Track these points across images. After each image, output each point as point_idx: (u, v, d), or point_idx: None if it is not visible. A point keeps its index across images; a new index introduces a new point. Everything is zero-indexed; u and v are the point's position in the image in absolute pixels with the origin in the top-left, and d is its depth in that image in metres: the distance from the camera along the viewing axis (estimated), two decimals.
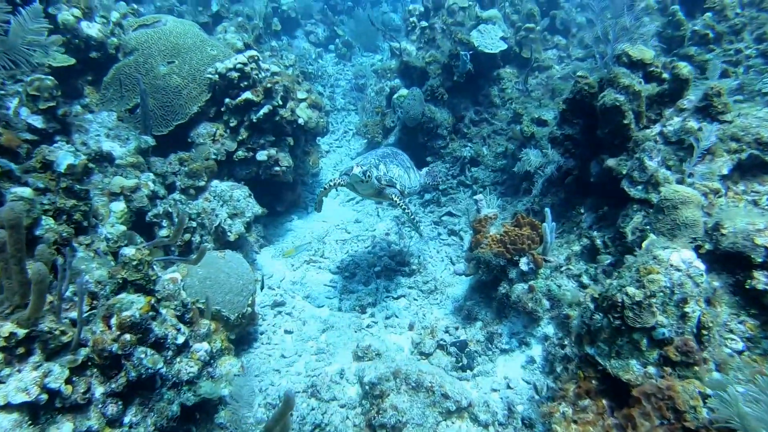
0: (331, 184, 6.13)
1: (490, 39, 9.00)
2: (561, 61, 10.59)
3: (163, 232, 6.23)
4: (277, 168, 7.99)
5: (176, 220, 4.82)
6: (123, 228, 5.10)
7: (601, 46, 6.43)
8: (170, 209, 6.31)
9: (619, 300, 3.87)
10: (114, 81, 7.52)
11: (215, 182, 7.28)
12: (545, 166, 6.75)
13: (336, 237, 8.81)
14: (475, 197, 6.58)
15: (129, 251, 4.39)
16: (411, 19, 11.22)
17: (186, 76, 7.70)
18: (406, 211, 6.10)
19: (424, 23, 10.21)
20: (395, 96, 9.83)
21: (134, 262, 4.38)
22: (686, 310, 3.64)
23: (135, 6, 9.28)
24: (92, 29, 7.35)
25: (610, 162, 5.84)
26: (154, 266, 4.97)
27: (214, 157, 7.67)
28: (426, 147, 9.68)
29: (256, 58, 7.74)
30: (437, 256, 8.28)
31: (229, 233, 6.73)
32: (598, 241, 5.93)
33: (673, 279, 3.71)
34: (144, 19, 8.38)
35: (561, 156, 6.68)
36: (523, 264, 5.96)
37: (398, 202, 6.03)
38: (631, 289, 3.81)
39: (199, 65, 7.83)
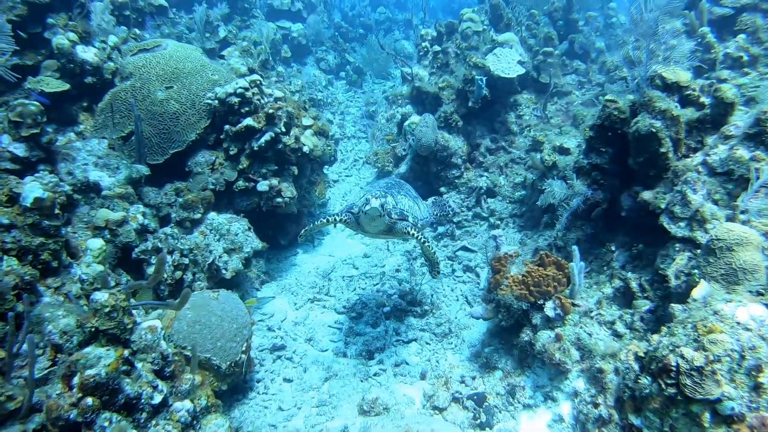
0: (329, 220, 5.42)
1: (507, 63, 8.52)
2: (581, 87, 10.08)
3: (152, 270, 5.68)
4: (280, 199, 7.47)
5: (165, 257, 4.29)
6: (100, 268, 4.58)
7: (628, 68, 5.88)
8: (160, 244, 5.79)
9: (673, 363, 3.22)
10: (109, 107, 7.11)
11: (212, 214, 6.77)
12: (571, 199, 6.15)
13: (343, 273, 8.22)
14: (493, 232, 5.99)
15: (101, 296, 3.84)
16: (423, 44, 10.82)
17: (185, 101, 7.28)
18: (427, 245, 5.38)
19: (436, 47, 9.79)
20: (407, 123, 9.34)
21: (107, 309, 3.83)
22: (761, 380, 2.98)
23: (137, 31, 8.98)
24: (88, 53, 6.98)
25: (646, 195, 5.23)
26: (134, 312, 4.43)
27: (212, 187, 7.18)
28: (439, 177, 9.12)
29: (258, 82, 7.31)
30: (452, 295, 7.64)
31: (224, 270, 6.18)
32: (634, 284, 5.27)
33: (741, 341, 3.06)
34: (144, 44, 8.02)
35: (588, 187, 6.07)
36: (549, 309, 5.31)
37: (416, 234, 5.29)
38: (687, 351, 3.16)
39: (198, 90, 7.41)
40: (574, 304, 5.32)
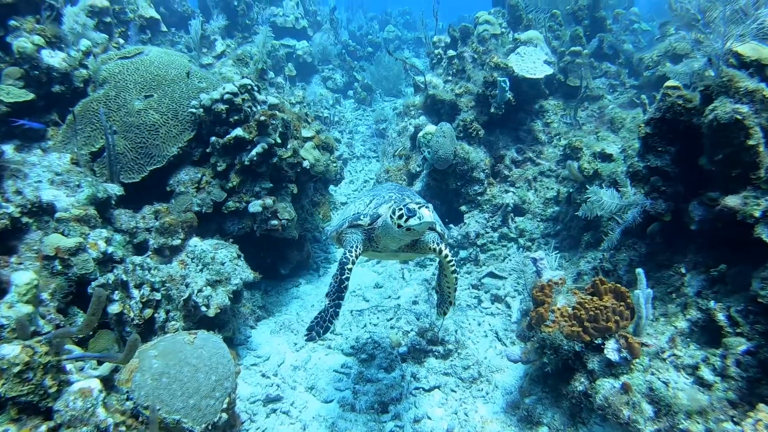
0: (353, 257, 3.94)
1: (532, 63, 7.51)
2: (613, 90, 9.02)
3: (115, 308, 4.64)
4: (275, 222, 6.43)
5: (102, 295, 3.28)
6: (28, 309, 3.53)
7: (696, 48, 4.80)
8: (125, 277, 4.75)
9: None
10: (79, 119, 6.18)
11: (194, 240, 5.73)
12: (624, 211, 5.03)
13: (351, 306, 7.10)
14: (532, 255, 4.86)
15: (10, 351, 2.79)
16: (436, 51, 9.87)
17: (166, 111, 6.33)
18: (453, 266, 4.16)
19: (451, 52, 8.83)
20: (421, 134, 8.29)
21: (17, 368, 2.77)
22: None
23: (121, 41, 8.14)
24: (54, 59, 6.11)
25: (731, 201, 4.09)
26: (72, 367, 3.36)
27: (197, 208, 6.17)
28: (459, 194, 8.03)
29: (249, 87, 6.35)
30: (479, 331, 6.48)
31: (204, 307, 5.10)
32: (721, 316, 4.09)
33: None
34: (125, 51, 7.15)
35: (645, 196, 4.96)
36: (611, 350, 4.15)
37: (443, 250, 4.07)
38: None
39: (182, 99, 6.47)
40: (643, 344, 4.15)
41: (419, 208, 3.53)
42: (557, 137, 8.08)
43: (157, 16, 10.45)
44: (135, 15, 9.59)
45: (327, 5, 18.19)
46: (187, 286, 4.96)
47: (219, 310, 5.33)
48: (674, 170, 4.83)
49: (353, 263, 3.87)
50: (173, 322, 4.90)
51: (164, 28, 10.79)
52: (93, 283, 4.53)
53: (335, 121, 13.75)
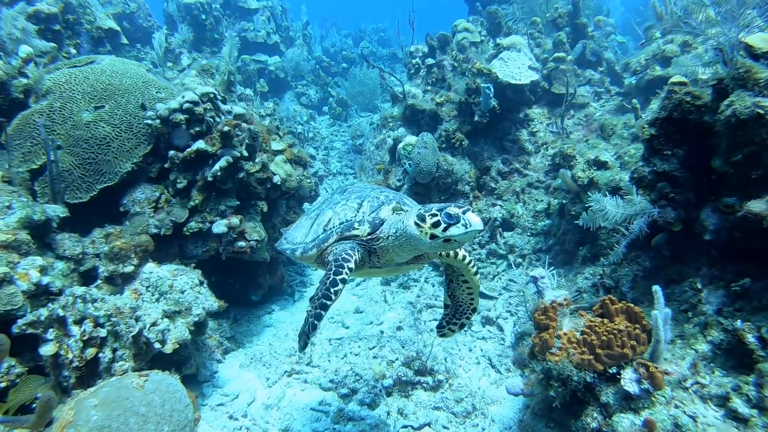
0: (355, 255, 3.22)
1: (517, 68, 7.10)
2: (598, 98, 8.67)
3: (49, 349, 3.94)
4: (242, 243, 5.80)
5: (51, 400, 2.65)
6: None
7: (702, 39, 4.39)
8: (63, 311, 4.06)
9: None
10: (18, 134, 5.50)
11: (150, 266, 5.07)
12: (631, 220, 4.54)
13: (329, 334, 6.46)
14: (532, 273, 4.32)
15: None
16: (414, 61, 9.43)
17: (119, 123, 5.70)
18: (475, 268, 3.58)
19: (430, 60, 8.39)
20: (400, 146, 7.76)
21: None
22: None
23: (73, 51, 7.49)
24: None
25: (756, 206, 3.63)
26: None
27: (155, 230, 5.52)
28: None
29: (212, 95, 5.77)
30: (470, 357, 5.92)
31: (158, 344, 4.41)
32: (751, 338, 3.59)
33: None
34: (75, 61, 6.51)
35: (652, 204, 4.48)
36: (629, 380, 3.60)
37: (460, 253, 3.47)
38: None
39: (137, 110, 5.85)
40: (665, 372, 3.62)
41: (463, 212, 2.80)
42: (544, 147, 7.65)
43: (117, 28, 9.83)
44: (93, 26, 8.94)
45: (300, 21, 17.77)
46: (137, 319, 4.28)
47: (177, 345, 4.65)
48: (683, 175, 4.37)
49: (355, 263, 3.14)
50: (121, 363, 4.21)
51: (125, 41, 10.16)
52: (19, 321, 3.84)
53: (310, 137, 13.20)
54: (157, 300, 4.78)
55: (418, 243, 2.99)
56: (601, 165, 5.83)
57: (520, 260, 6.99)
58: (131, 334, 4.17)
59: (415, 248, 3.11)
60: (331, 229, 3.31)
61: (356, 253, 3.16)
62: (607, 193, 4.94)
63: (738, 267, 4.12)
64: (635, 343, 3.69)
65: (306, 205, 8.40)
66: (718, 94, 3.92)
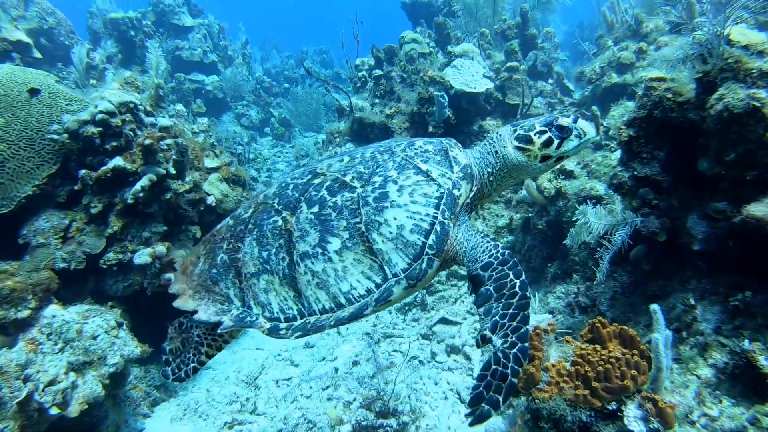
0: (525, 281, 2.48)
1: (471, 75, 6.71)
2: (552, 109, 8.42)
3: None
4: (171, 275, 4.97)
5: None
6: None
7: (687, 35, 4.05)
8: None
9: None
10: None
11: (52, 309, 4.18)
12: (614, 231, 4.10)
13: (277, 375, 5.68)
14: None
15: None
16: (360, 74, 8.94)
17: (16, 140, 4.81)
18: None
19: (378, 72, 7.90)
20: None
21: None
22: None
23: None
24: None
25: (757, 210, 3.23)
26: None
27: (63, 265, 4.63)
28: None
29: (132, 106, 5.00)
30: (437, 392, 5.28)
31: (54, 408, 3.53)
32: (763, 360, 3.15)
33: None
34: None
35: (634, 212, 4.07)
36: (633, 418, 3.07)
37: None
38: None
39: (41, 125, 4.98)
40: (670, 406, 3.12)
41: (573, 120, 2.41)
42: None
43: (28, 40, 8.81)
44: None
45: (239, 40, 17.05)
46: (26, 380, 3.41)
47: (87, 406, 3.78)
48: (666, 179, 3.99)
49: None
50: None
51: (38, 55, 9.15)
52: None
53: (251, 158, 12.42)
54: (61, 350, 3.90)
55: (522, 171, 2.55)
56: (567, 174, 5.44)
57: None
58: (16, 401, 3.28)
59: (517, 178, 2.66)
60: (432, 220, 2.38)
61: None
62: (587, 204, 4.49)
63: (732, 279, 3.73)
64: (636, 372, 3.17)
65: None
66: (703, 88, 3.55)
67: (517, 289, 2.34)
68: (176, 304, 2.67)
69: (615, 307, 4.65)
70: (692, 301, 3.82)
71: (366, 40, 10.05)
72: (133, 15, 12.68)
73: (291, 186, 2.63)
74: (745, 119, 3.21)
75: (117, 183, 4.91)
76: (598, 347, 3.42)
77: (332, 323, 2.42)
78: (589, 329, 3.58)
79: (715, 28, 3.46)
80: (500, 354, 2.24)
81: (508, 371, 2.23)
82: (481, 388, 2.23)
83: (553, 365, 3.42)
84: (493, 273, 2.38)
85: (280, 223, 2.52)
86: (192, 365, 2.80)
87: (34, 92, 4.93)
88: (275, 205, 2.59)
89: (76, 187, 4.87)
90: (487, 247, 2.46)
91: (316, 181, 2.58)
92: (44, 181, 4.81)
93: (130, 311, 5.02)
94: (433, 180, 2.45)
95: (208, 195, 5.59)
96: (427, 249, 2.35)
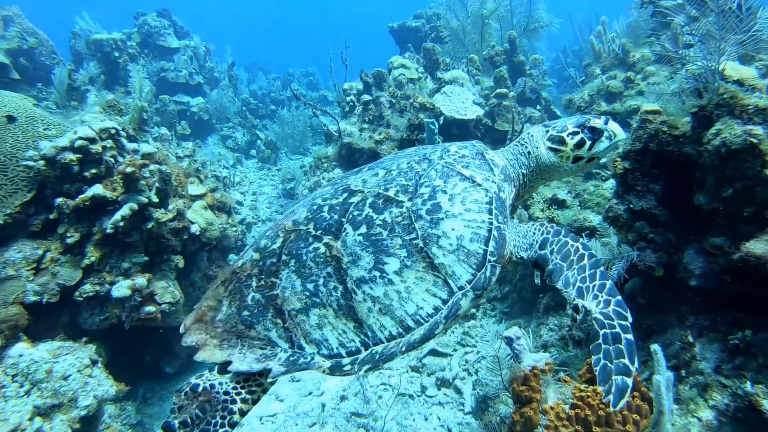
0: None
1: (461, 102, 6.67)
2: None
3: None
4: (151, 308, 4.78)
5: None
6: None
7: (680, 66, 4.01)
8: None
9: None
10: None
11: (20, 347, 3.94)
12: (610, 265, 4.01)
13: (260, 411, 5.44)
14: (507, 334, 3.61)
15: None
16: (348, 99, 8.87)
17: None
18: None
19: (366, 97, 7.83)
20: None
21: None
22: None
23: None
24: None
25: (757, 248, 3.16)
26: None
27: (34, 298, 4.40)
28: None
29: (113, 132, 4.84)
30: (427, 428, 5.10)
31: None
32: (767, 404, 3.05)
33: None
34: None
35: (631, 246, 3.98)
36: None
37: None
38: None
39: (16, 151, 4.79)
40: None
41: (605, 122, 2.41)
42: None
43: (5, 61, 8.62)
44: None
45: (225, 61, 16.96)
46: None
47: None
48: (662, 213, 3.92)
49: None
50: None
51: (16, 76, 8.95)
52: None
53: (236, 181, 12.22)
54: (27, 393, 3.67)
55: (554, 172, 2.55)
56: (559, 204, 5.37)
57: (473, 311, 6.34)
58: None
59: (548, 179, 2.68)
60: (489, 226, 2.31)
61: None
62: (582, 236, 4.42)
63: (730, 316, 3.65)
64: (638, 416, 3.05)
65: (231, 257, 7.39)
66: (699, 122, 3.50)
67: (582, 250, 2.32)
68: (200, 357, 2.33)
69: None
70: (690, 339, 3.73)
71: (354, 64, 10.03)
72: (117, 36, 12.54)
73: (326, 208, 2.46)
74: (742, 155, 3.16)
75: (96, 212, 4.71)
76: (597, 389, 3.28)
77: (403, 349, 2.26)
78: (587, 369, 3.46)
79: (710, 62, 3.43)
80: (600, 316, 2.19)
81: (618, 330, 2.14)
82: (603, 360, 2.11)
83: (552, 408, 3.28)
84: (554, 246, 2.38)
85: (323, 249, 2.34)
86: (222, 431, 2.31)
87: (11, 119, 4.74)
88: (311, 230, 2.41)
89: (51, 216, 4.67)
90: (535, 229, 2.46)
91: (355, 199, 2.43)
92: (17, 209, 4.60)
93: (107, 346, 4.79)
94: (479, 185, 2.39)
95: (192, 223, 5.41)
96: (488, 256, 2.29)
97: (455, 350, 6.12)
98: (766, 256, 3.11)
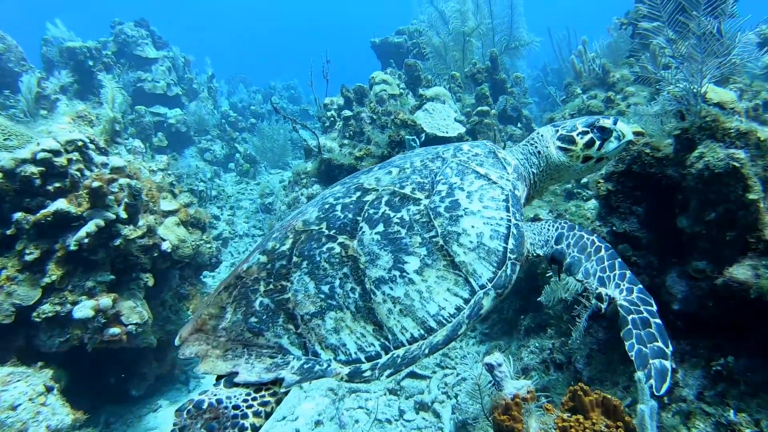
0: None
1: (443, 119, 6.60)
2: None
3: None
4: (116, 330, 4.54)
5: None
6: None
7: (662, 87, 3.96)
8: None
9: None
10: None
11: None
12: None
13: None
14: (487, 360, 3.48)
15: None
16: (329, 114, 8.76)
17: None
18: None
19: (347, 112, 7.73)
20: None
21: None
22: None
23: None
24: None
25: (739, 273, 3.10)
26: None
27: None
28: None
29: (81, 144, 4.63)
30: None
31: None
32: None
33: None
34: None
35: None
36: None
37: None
38: None
39: None
40: None
41: (614, 123, 2.50)
42: None
43: None
44: None
45: (204, 73, 16.76)
46: None
47: None
48: (645, 235, 3.85)
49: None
50: None
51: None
52: None
53: (213, 195, 11.98)
54: None
55: (564, 172, 2.59)
56: None
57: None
58: None
59: (558, 179, 2.72)
60: (507, 223, 2.29)
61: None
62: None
63: (711, 341, 3.59)
64: None
65: (206, 274, 7.15)
66: (682, 145, 3.46)
67: (597, 243, 2.35)
68: (202, 369, 2.19)
69: (591, 366, 4.44)
70: (673, 364, 3.64)
71: (335, 78, 9.95)
72: (92, 44, 12.27)
73: (338, 207, 2.37)
74: (725, 179, 3.11)
75: (59, 227, 4.48)
76: (581, 418, 3.16)
77: (426, 351, 2.16)
78: (570, 397, 3.33)
79: (692, 85, 3.40)
80: (626, 303, 2.22)
81: (646, 314, 2.20)
82: (636, 345, 2.17)
83: None
84: (570, 240, 2.39)
85: (338, 250, 2.23)
86: None
87: None
88: (324, 230, 2.31)
89: (8, 232, 4.41)
90: (549, 225, 2.47)
91: (369, 197, 2.35)
92: None
93: (67, 370, 4.53)
94: (495, 183, 2.37)
95: (164, 240, 5.20)
96: (509, 254, 2.26)
97: (434, 372, 5.96)
98: (748, 281, 3.05)
